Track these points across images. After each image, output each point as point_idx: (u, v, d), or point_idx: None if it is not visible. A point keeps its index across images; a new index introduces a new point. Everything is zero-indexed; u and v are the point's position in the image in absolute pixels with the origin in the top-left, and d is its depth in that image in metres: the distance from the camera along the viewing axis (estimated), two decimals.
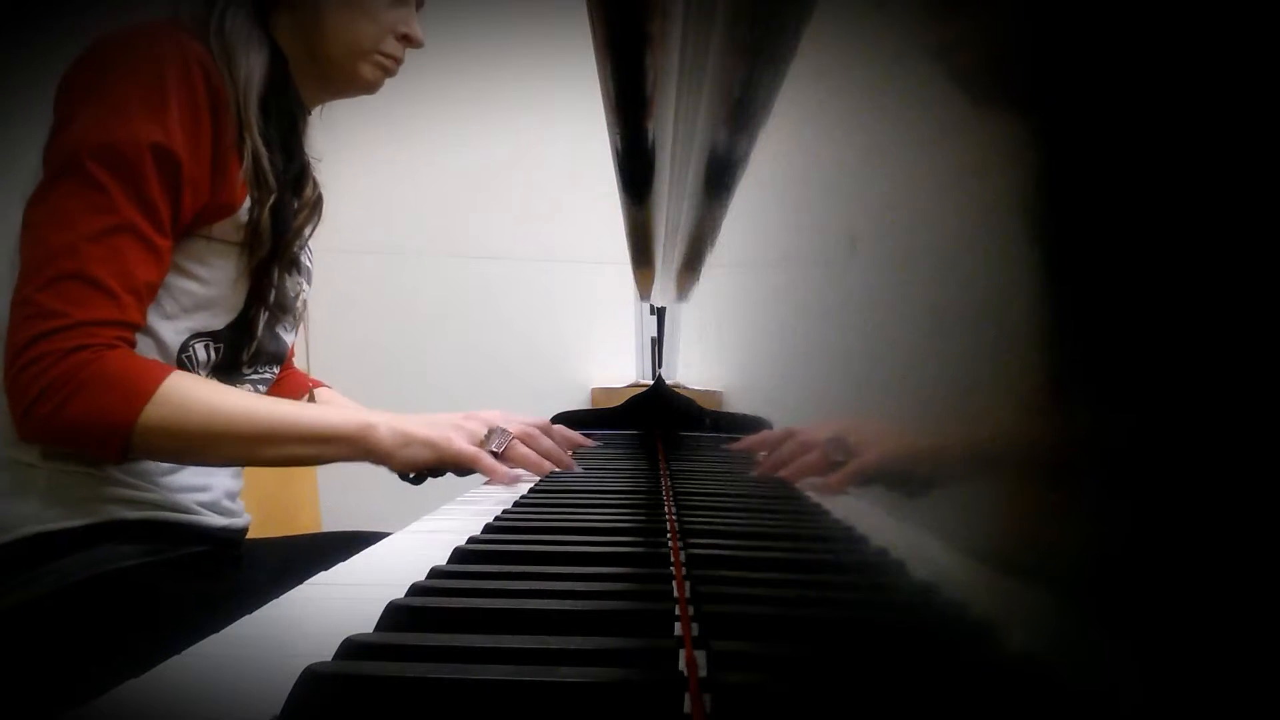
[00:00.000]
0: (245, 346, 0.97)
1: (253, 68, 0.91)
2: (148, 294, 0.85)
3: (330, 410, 0.96)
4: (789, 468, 0.40)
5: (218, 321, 0.94)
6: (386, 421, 0.91)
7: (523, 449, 0.99)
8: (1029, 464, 0.17)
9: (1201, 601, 0.11)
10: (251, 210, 0.91)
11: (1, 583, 0.81)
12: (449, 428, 0.95)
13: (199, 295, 0.91)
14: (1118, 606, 0.13)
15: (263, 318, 0.97)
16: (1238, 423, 0.10)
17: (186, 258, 0.90)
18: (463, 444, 0.94)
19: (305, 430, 0.88)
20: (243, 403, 0.88)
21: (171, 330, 0.90)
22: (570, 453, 1.08)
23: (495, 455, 0.95)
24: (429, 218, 2.48)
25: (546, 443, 1.03)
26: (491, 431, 0.97)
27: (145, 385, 0.81)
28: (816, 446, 0.34)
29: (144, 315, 0.86)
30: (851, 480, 0.29)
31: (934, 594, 0.21)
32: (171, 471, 0.92)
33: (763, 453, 0.52)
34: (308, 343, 1.17)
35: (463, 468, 0.95)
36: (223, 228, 0.91)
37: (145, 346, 0.88)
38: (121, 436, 0.81)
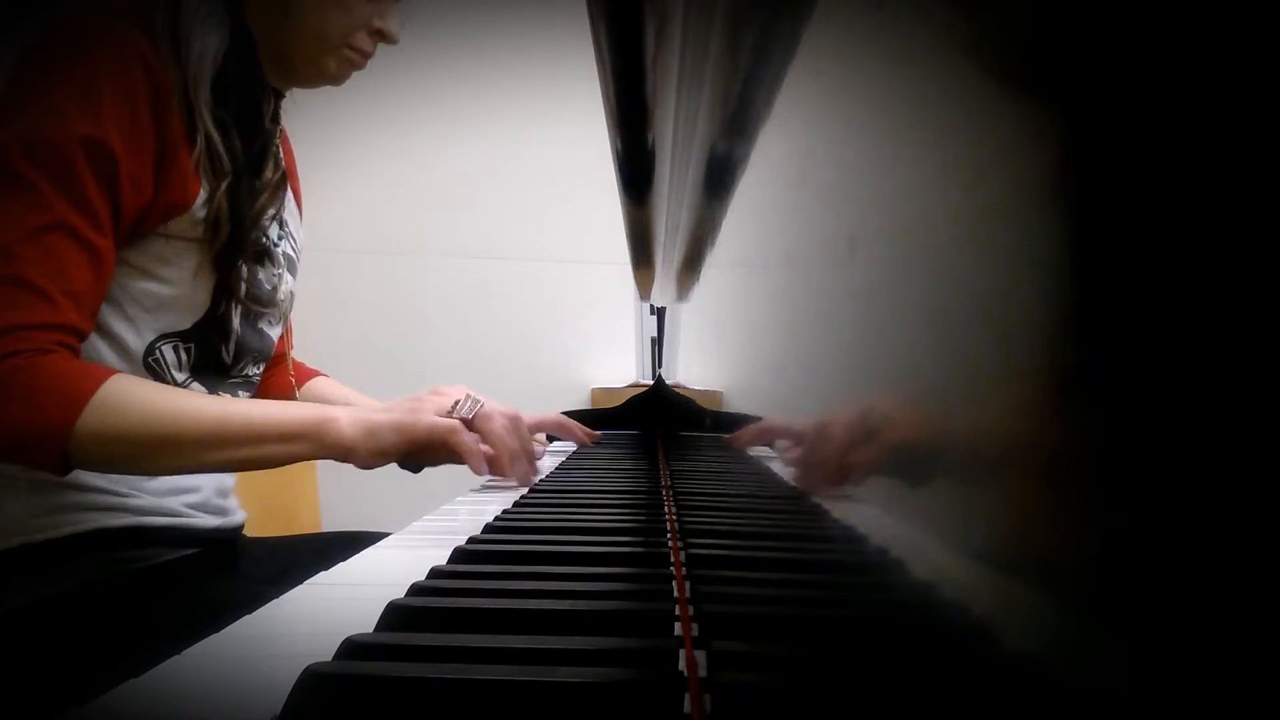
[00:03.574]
0: (222, 345, 0.92)
1: (206, 47, 0.87)
2: (89, 297, 0.80)
3: (288, 406, 0.88)
4: (817, 474, 0.39)
5: (184, 321, 0.90)
6: (349, 415, 0.85)
7: (498, 424, 0.92)
8: (1028, 464, 0.17)
9: (1201, 602, 0.11)
10: (208, 198, 0.88)
11: None
12: (414, 405, 0.89)
13: (160, 295, 0.87)
14: (1117, 606, 0.13)
15: (236, 312, 0.92)
16: (1238, 423, 0.10)
17: (144, 258, 0.86)
18: (430, 418, 0.87)
19: (258, 429, 0.82)
20: (188, 403, 0.82)
21: (134, 334, 0.87)
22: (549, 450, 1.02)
23: (466, 424, 0.89)
24: (428, 218, 2.48)
25: (523, 434, 0.95)
26: (459, 400, 0.91)
27: (82, 389, 0.76)
28: (836, 445, 0.34)
29: (88, 320, 0.81)
30: (863, 469, 0.29)
31: (934, 594, 0.21)
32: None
33: (782, 445, 0.52)
34: (293, 343, 1.13)
35: (436, 446, 0.88)
36: (179, 225, 0.87)
37: (107, 353, 0.85)
38: (58, 446, 0.75)
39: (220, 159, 0.88)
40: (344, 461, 0.85)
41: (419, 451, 0.88)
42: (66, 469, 0.77)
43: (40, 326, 0.77)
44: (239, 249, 0.92)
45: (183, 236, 0.88)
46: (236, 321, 0.93)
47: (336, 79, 0.99)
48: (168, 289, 0.88)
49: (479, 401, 0.92)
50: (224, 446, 0.81)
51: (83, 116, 0.80)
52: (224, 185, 0.88)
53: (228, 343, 0.93)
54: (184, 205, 0.86)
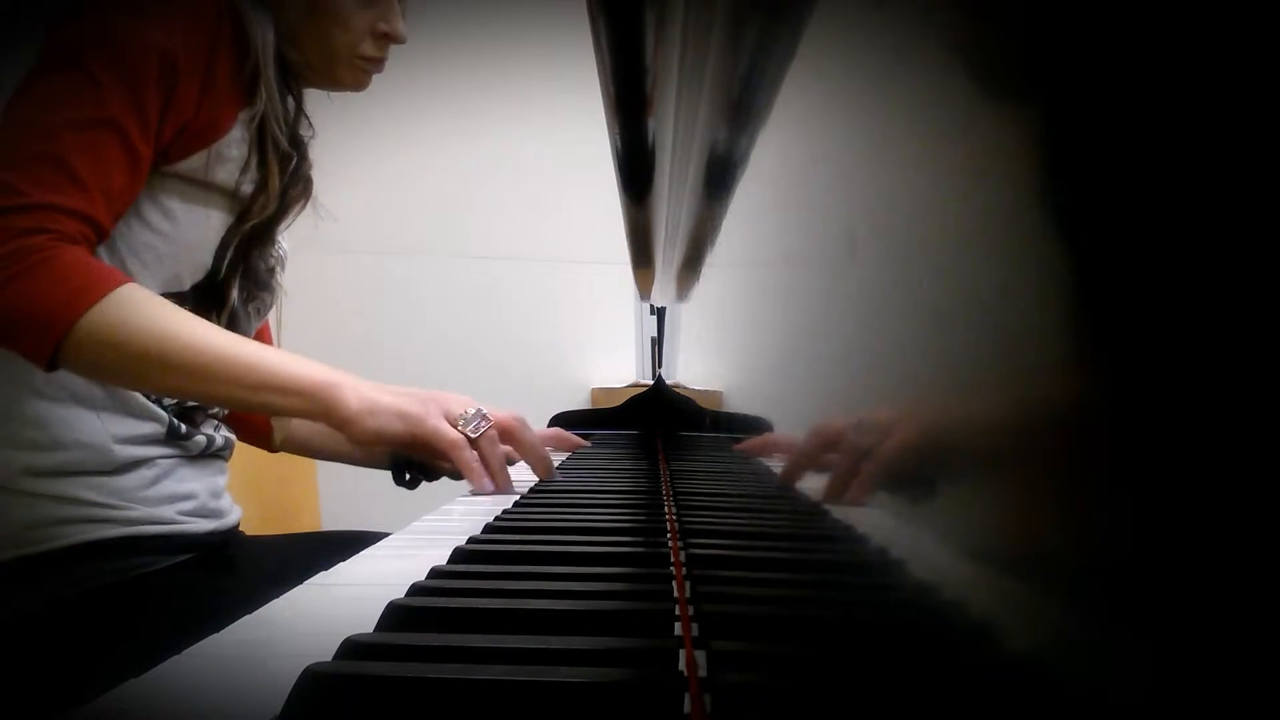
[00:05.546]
0: (216, 313, 0.92)
1: (266, 35, 0.89)
2: (120, 199, 0.81)
3: (296, 360, 0.86)
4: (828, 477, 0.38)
5: (184, 281, 0.89)
6: (355, 384, 0.83)
7: (500, 454, 0.88)
8: (1030, 463, 0.17)
9: (1202, 602, 0.11)
10: (251, 172, 0.89)
11: None
12: (427, 400, 0.86)
13: (162, 250, 0.87)
14: (1118, 607, 0.13)
15: (235, 284, 0.92)
16: (1239, 421, 0.10)
17: (152, 206, 0.86)
18: (440, 423, 0.85)
19: (263, 375, 0.80)
20: (201, 330, 0.80)
21: None
22: (563, 454, 1.02)
23: (469, 441, 0.86)
24: (428, 217, 2.48)
25: (530, 435, 0.93)
26: (469, 414, 0.87)
27: (98, 285, 0.75)
28: (840, 443, 0.34)
29: (113, 221, 0.81)
30: (874, 478, 0.29)
31: (934, 594, 0.21)
32: (150, 484, 0.89)
33: (777, 456, 0.52)
34: (278, 338, 1.13)
35: (436, 452, 0.86)
36: (205, 162, 0.86)
37: None
38: (56, 335, 0.73)
39: (278, 139, 0.90)
40: (338, 429, 0.84)
41: (415, 448, 0.87)
42: (53, 364, 0.76)
43: (70, 212, 0.77)
44: (269, 231, 0.93)
45: (208, 181, 0.88)
46: (234, 293, 0.93)
47: (355, 87, 1.00)
48: (171, 245, 0.88)
49: (488, 422, 0.88)
50: (223, 382, 0.80)
51: (160, 26, 0.81)
52: (291, 165, 0.90)
53: (221, 311, 0.93)
54: (216, 132, 0.86)
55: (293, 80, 0.97)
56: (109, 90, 0.79)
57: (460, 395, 0.92)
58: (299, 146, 0.96)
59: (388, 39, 0.97)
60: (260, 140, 0.89)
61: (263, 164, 0.90)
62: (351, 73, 0.98)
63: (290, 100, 0.95)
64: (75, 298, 0.74)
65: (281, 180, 0.91)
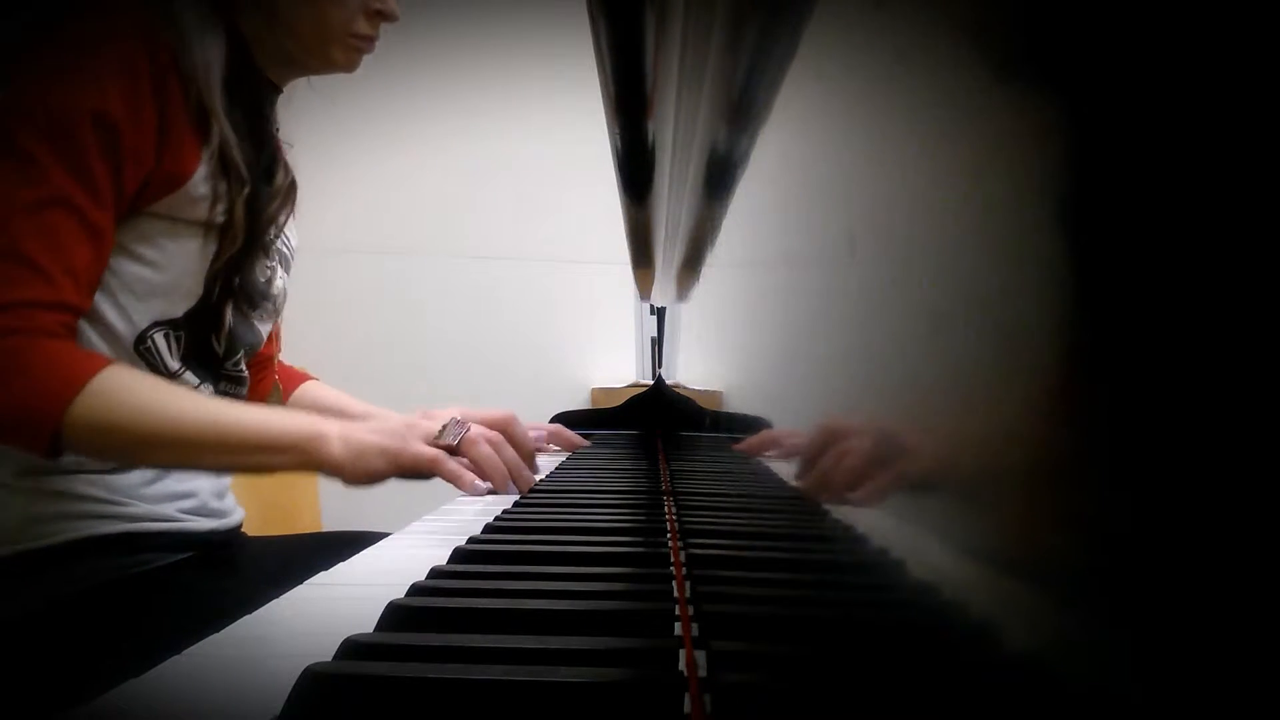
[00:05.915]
0: (213, 335, 0.92)
1: (210, 55, 0.87)
2: (87, 274, 0.81)
3: (283, 416, 0.87)
4: (833, 485, 0.38)
5: (176, 309, 0.89)
6: (340, 432, 0.84)
7: (485, 449, 0.89)
8: (1028, 463, 0.17)
9: (1201, 602, 0.11)
10: (222, 202, 0.88)
11: None
12: (404, 429, 0.87)
13: (151, 281, 0.87)
14: (1117, 607, 0.13)
15: (229, 306, 0.92)
16: (1237, 424, 0.10)
17: (136, 240, 0.85)
18: (419, 447, 0.86)
19: (248, 438, 0.82)
20: (180, 404, 0.81)
21: (124, 322, 0.86)
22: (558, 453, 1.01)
23: (452, 450, 0.87)
24: (428, 217, 2.48)
25: (509, 452, 0.92)
26: (445, 426, 0.88)
27: (77, 376, 0.76)
28: (856, 457, 0.34)
29: (86, 298, 0.81)
30: (889, 491, 0.29)
31: (934, 594, 0.21)
32: (152, 481, 0.89)
33: (778, 453, 0.52)
34: (280, 346, 1.13)
35: (422, 473, 0.87)
36: (176, 203, 0.85)
37: (97, 341, 0.85)
38: (48, 430, 0.75)
39: (237, 167, 0.88)
40: (331, 477, 0.85)
41: (405, 476, 0.87)
42: (57, 453, 0.77)
43: (39, 305, 0.77)
44: (250, 254, 0.92)
45: (184, 218, 0.87)
46: (229, 313, 0.93)
47: (347, 68, 0.99)
48: (160, 275, 0.87)
49: (465, 426, 0.89)
50: (212, 451, 0.81)
51: (87, 88, 0.79)
52: (244, 194, 0.89)
53: (219, 333, 0.93)
54: (182, 177, 0.85)
55: (265, 91, 0.96)
56: (50, 168, 0.78)
57: (441, 410, 0.92)
58: (270, 162, 0.94)
59: (381, 16, 0.97)
60: (225, 172, 0.88)
61: (229, 194, 0.88)
62: (345, 52, 0.97)
63: (254, 118, 0.93)
64: (58, 392, 0.75)
65: (244, 211, 0.89)
